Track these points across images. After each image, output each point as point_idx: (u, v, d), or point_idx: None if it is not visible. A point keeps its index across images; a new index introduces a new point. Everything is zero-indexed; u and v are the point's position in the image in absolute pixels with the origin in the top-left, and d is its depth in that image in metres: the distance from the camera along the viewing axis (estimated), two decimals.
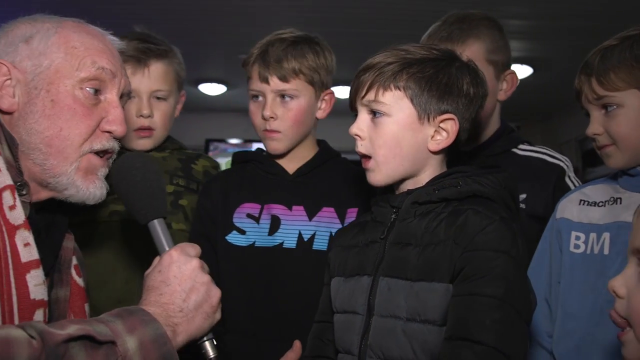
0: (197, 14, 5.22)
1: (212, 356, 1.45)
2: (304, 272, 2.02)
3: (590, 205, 1.90)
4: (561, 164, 2.19)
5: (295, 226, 2.07)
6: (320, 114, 2.17)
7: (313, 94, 2.13)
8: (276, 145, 2.11)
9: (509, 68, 2.24)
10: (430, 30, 2.25)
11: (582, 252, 1.87)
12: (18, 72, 1.49)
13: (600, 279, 1.79)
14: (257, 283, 2.02)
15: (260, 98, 2.11)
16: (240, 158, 2.27)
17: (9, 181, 1.41)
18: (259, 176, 2.17)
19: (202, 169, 2.39)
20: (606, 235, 1.83)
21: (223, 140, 8.85)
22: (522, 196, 2.07)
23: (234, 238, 2.08)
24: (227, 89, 7.52)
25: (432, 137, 1.61)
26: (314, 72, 2.11)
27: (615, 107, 1.77)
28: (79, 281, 1.66)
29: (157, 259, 1.47)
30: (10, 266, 1.35)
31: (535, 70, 6.62)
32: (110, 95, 1.56)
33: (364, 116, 1.65)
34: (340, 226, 2.04)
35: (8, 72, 1.49)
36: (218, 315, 1.46)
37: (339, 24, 5.45)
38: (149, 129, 2.24)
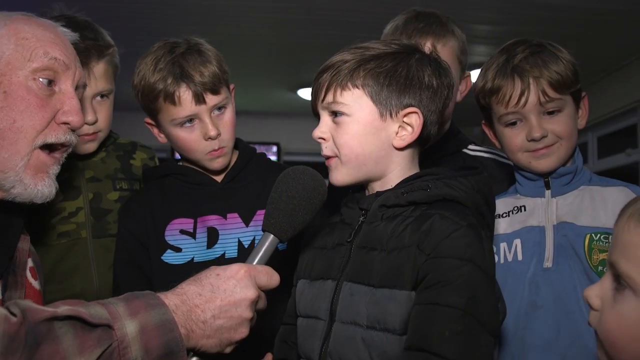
0: (171, 13, 5.16)
1: None
2: None
3: (495, 217, 1.94)
4: (511, 163, 2.21)
5: (234, 234, 2.01)
6: None
7: (229, 95, 2.06)
8: (223, 161, 2.05)
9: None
10: (399, 22, 2.24)
11: (497, 262, 1.88)
12: None
13: (519, 284, 1.87)
14: None
15: (195, 121, 1.97)
16: (156, 173, 2.15)
17: None
18: (184, 189, 2.07)
19: (140, 163, 2.30)
20: (517, 242, 1.92)
21: None
22: None
23: (170, 257, 1.99)
24: None
25: (397, 133, 1.56)
26: (223, 74, 2.02)
27: (558, 109, 1.88)
28: (35, 284, 1.61)
29: (234, 264, 1.39)
30: None
31: None
32: (65, 86, 1.53)
33: (325, 118, 1.60)
34: None
35: None
36: (228, 350, 1.37)
37: (309, 26, 5.44)
38: (94, 132, 2.12)
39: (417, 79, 1.55)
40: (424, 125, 1.56)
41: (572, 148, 1.92)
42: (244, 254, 1.97)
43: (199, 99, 1.94)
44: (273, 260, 1.48)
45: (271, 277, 1.41)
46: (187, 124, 1.97)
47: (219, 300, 1.32)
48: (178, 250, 2.00)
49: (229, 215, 2.04)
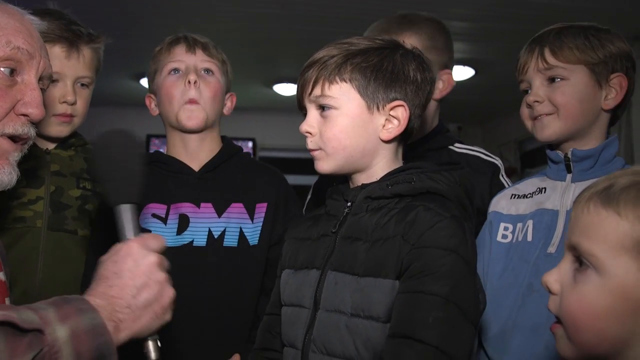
0: (140, 4, 5.12)
1: (153, 358, 1.37)
2: (214, 269, 2.00)
3: (520, 198, 1.98)
4: (496, 162, 2.28)
5: (205, 223, 2.04)
6: (225, 110, 2.22)
7: (225, 84, 2.19)
8: (197, 114, 2.10)
9: (447, 69, 2.30)
10: (373, 25, 2.30)
11: (509, 241, 1.93)
12: None
13: (523, 264, 1.86)
14: None
15: (181, 72, 2.12)
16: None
17: None
18: (163, 176, 2.13)
19: None
20: (530, 223, 1.90)
21: (164, 136, 8.73)
22: None
23: None
24: None
25: (384, 126, 1.60)
26: (225, 67, 2.21)
27: (561, 79, 1.87)
28: (0, 275, 1.57)
29: (116, 246, 1.38)
30: None
31: (477, 72, 6.69)
32: (28, 77, 1.49)
33: (312, 112, 1.63)
34: (250, 222, 2.05)
35: None
36: (168, 317, 1.38)
37: (285, 21, 5.42)
38: (71, 115, 2.16)
39: (402, 73, 1.60)
40: (409, 119, 1.60)
41: (574, 122, 1.87)
42: (212, 243, 2.02)
43: (190, 49, 2.14)
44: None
45: (158, 239, 1.40)
46: (174, 72, 2.13)
47: (129, 279, 1.31)
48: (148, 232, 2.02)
49: (202, 205, 2.07)
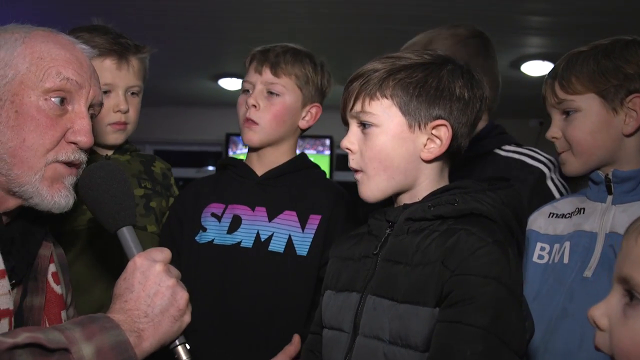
0: (217, 8, 5.21)
1: None
2: (257, 272, 2.03)
3: (559, 217, 1.90)
4: (542, 166, 2.14)
5: (255, 226, 2.09)
6: (303, 124, 2.20)
7: (300, 99, 2.17)
8: (252, 135, 2.14)
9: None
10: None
11: (545, 262, 1.86)
12: None
13: (559, 287, 1.79)
14: (211, 279, 2.05)
15: (250, 91, 2.15)
16: (220, 163, 2.32)
17: None
18: (231, 179, 2.20)
19: (160, 170, 2.42)
20: (567, 244, 1.82)
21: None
22: None
23: (199, 237, 2.13)
24: None
25: (425, 145, 1.53)
26: (306, 79, 2.17)
27: (573, 111, 1.79)
28: (57, 288, 1.64)
29: (129, 263, 1.46)
30: None
31: None
32: (78, 106, 1.53)
33: (354, 128, 1.57)
34: (300, 231, 2.06)
35: None
36: (187, 318, 1.44)
37: (354, 20, 5.42)
38: (124, 123, 2.26)
39: (447, 90, 1.52)
40: (454, 138, 1.53)
41: (590, 156, 1.79)
42: (258, 246, 2.06)
43: (257, 69, 2.15)
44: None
45: (162, 251, 1.48)
46: (245, 93, 2.17)
47: (142, 291, 1.40)
48: (204, 230, 2.12)
49: (257, 208, 2.12)
